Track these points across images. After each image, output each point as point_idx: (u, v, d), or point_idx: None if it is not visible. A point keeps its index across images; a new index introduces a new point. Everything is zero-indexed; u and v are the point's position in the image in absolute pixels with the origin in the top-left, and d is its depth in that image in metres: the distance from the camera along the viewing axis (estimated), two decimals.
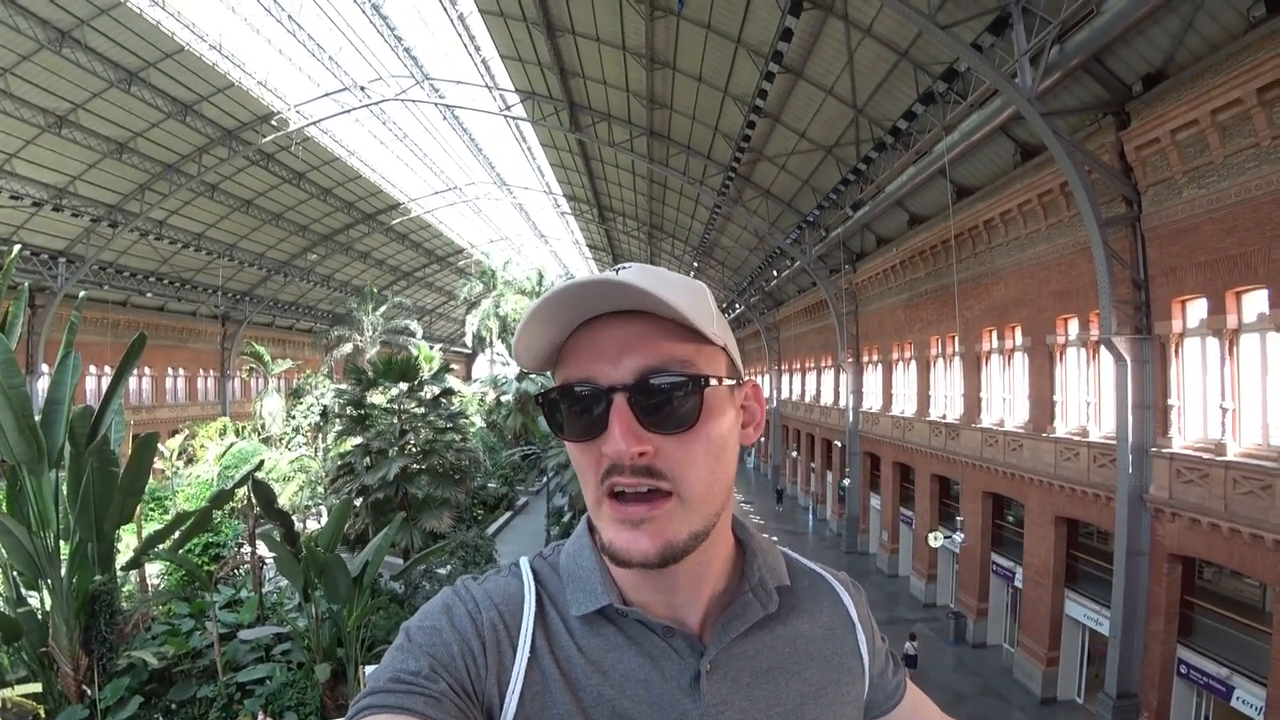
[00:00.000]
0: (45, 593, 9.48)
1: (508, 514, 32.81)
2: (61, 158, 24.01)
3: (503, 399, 41.11)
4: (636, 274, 0.70)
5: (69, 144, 23.31)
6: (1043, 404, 15.44)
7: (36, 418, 9.62)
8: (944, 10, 11.57)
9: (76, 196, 25.86)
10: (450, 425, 23.11)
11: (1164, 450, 11.63)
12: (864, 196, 19.72)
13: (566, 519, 23.00)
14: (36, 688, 8.68)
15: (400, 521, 14.92)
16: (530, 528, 31.06)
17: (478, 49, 24.51)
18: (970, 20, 11.82)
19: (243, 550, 17.34)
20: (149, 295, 33.72)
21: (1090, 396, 14.32)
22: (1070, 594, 14.89)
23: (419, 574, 15.74)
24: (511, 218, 53.37)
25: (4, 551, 9.42)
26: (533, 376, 38.11)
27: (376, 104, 27.64)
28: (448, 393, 23.87)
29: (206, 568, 16.17)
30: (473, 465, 24.66)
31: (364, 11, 23.25)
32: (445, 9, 22.66)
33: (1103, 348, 12.62)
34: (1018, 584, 16.70)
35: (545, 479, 33.57)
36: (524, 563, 0.86)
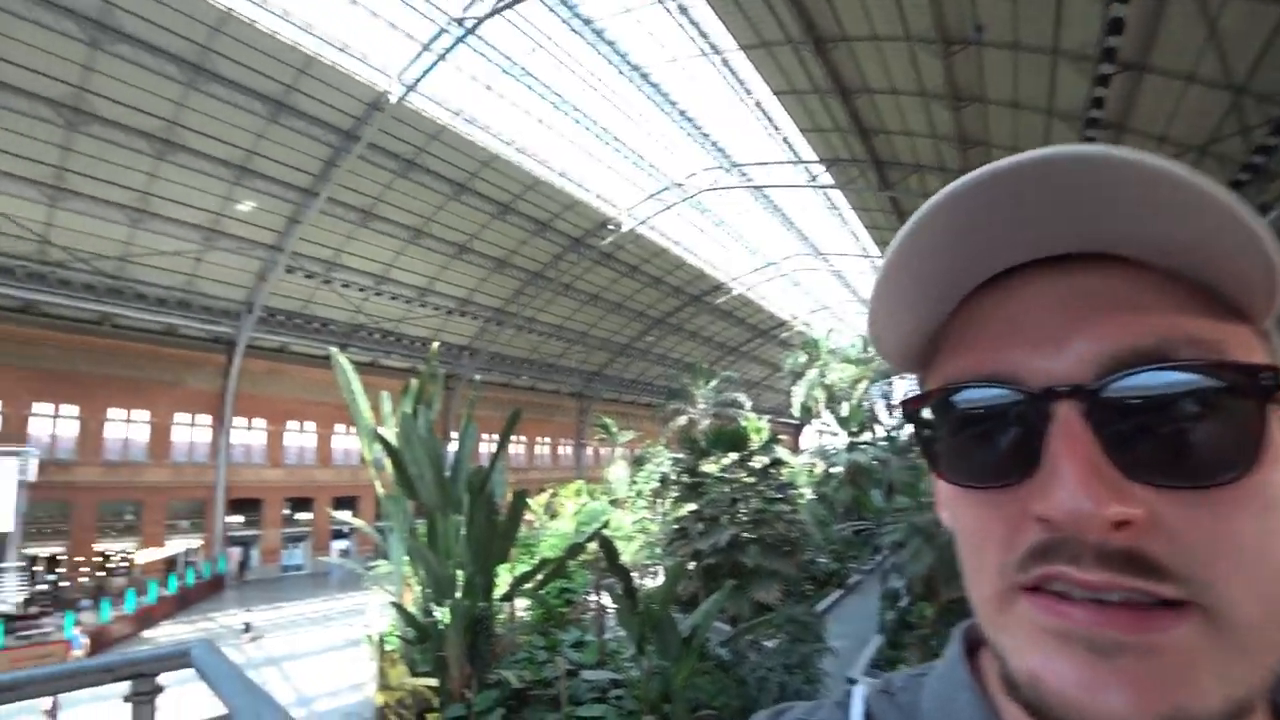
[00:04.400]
0: (445, 610, 12.02)
1: (838, 592, 31.16)
2: (463, 275, 32.73)
3: (832, 470, 39.98)
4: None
5: (468, 265, 31.71)
6: None
7: (447, 474, 12.57)
8: None
9: (474, 304, 34.69)
10: (780, 495, 22.92)
11: None
12: (1269, 197, 15.32)
13: (904, 603, 21.06)
14: (434, 683, 11.04)
15: (730, 589, 14.98)
16: (862, 609, 28.99)
17: (777, 129, 25.85)
18: None
19: (590, 598, 19.50)
20: (523, 378, 42.40)
21: None
22: None
23: (746, 644, 15.70)
24: (830, 286, 53.26)
25: (423, 573, 12.28)
26: (863, 447, 36.44)
27: (693, 196, 30.76)
28: (777, 463, 23.83)
29: (560, 609, 18.54)
30: (802, 538, 24.17)
31: (673, 120, 26.46)
32: (742, 99, 24.54)
33: None
34: None
35: (879, 557, 31.24)
36: (857, 695, 0.56)
